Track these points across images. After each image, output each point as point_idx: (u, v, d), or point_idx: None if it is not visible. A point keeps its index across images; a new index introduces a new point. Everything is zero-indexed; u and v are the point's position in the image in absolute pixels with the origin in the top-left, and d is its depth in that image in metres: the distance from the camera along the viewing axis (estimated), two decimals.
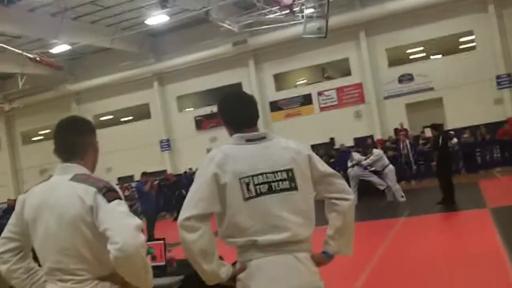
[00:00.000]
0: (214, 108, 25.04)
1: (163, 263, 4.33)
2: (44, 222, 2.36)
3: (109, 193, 2.30)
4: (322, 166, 2.60)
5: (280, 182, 2.44)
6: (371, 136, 21.91)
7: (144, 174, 13.54)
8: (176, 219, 15.76)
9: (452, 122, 20.56)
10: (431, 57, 23.03)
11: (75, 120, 2.63)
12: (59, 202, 2.34)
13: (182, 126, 26.30)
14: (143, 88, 26.65)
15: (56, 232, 2.33)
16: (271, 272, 2.37)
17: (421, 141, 19.71)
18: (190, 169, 22.29)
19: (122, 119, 28.19)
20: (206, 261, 2.37)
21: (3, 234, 2.52)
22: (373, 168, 14.16)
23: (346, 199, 2.59)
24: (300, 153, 2.53)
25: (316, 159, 2.60)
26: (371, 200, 13.99)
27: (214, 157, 2.48)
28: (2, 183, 30.20)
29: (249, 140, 2.52)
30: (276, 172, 2.45)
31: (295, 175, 2.47)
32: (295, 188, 2.46)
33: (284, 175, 2.45)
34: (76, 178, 2.37)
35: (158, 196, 21.24)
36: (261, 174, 2.43)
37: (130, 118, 28.26)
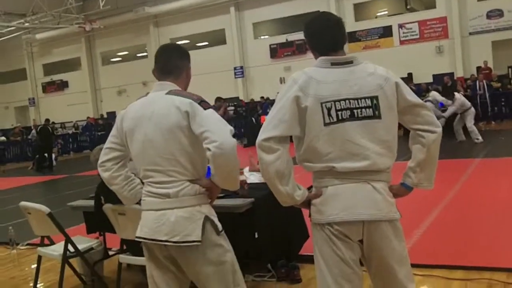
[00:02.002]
0: (290, 37, 25.22)
1: None
2: (142, 130, 2.60)
3: (203, 103, 2.53)
4: (410, 95, 2.43)
5: (363, 109, 2.33)
6: (452, 74, 20.94)
7: (218, 99, 13.57)
8: (246, 145, 16.25)
9: None
10: None
11: (176, 46, 2.89)
12: (157, 112, 2.57)
13: (257, 54, 26.14)
14: (219, 13, 26.51)
15: (154, 139, 2.56)
16: (347, 200, 2.33)
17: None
18: (263, 97, 22.29)
19: (198, 44, 28.27)
20: (282, 183, 2.36)
21: (105, 145, 2.80)
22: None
23: (433, 132, 2.43)
24: (388, 80, 2.38)
25: (404, 87, 2.43)
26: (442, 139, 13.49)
27: (297, 79, 2.38)
28: (83, 101, 31.53)
29: (334, 64, 2.40)
30: (360, 98, 2.33)
31: (379, 103, 2.34)
32: (379, 117, 2.34)
33: (368, 102, 2.34)
34: (171, 92, 2.61)
35: (230, 122, 21.50)
36: (344, 100, 2.32)
37: (206, 43, 28.30)
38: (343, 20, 2.63)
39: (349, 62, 2.41)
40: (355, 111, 2.32)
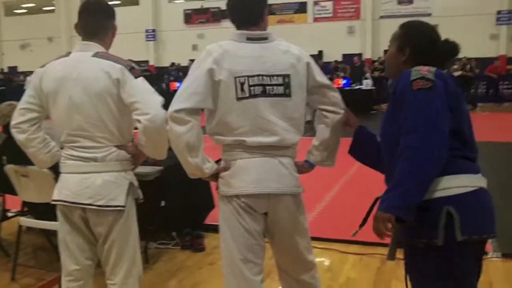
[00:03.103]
0: (206, 3, 24.88)
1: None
2: (67, 93, 2.50)
3: (134, 70, 2.50)
4: (319, 76, 2.51)
5: (274, 87, 2.38)
6: (360, 55, 21.68)
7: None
8: None
9: None
10: None
11: (102, 3, 2.71)
12: (84, 75, 2.48)
13: (171, 18, 25.56)
14: None
15: (81, 103, 2.48)
16: (255, 173, 2.39)
17: None
18: (174, 63, 21.92)
19: (110, 3, 27.12)
20: (191, 155, 2.36)
21: (20, 105, 2.65)
22: None
23: (338, 113, 2.55)
24: (300, 60, 2.44)
25: (315, 68, 2.51)
26: None
27: (212, 51, 2.38)
28: None
29: (250, 39, 2.42)
30: (273, 76, 2.37)
31: (291, 82, 2.40)
32: (289, 95, 2.40)
33: (280, 80, 2.38)
34: (99, 55, 2.52)
35: None
36: (257, 76, 2.36)
37: (118, 2, 27.27)
38: None
39: (264, 38, 2.43)
40: (267, 87, 2.36)
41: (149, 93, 2.48)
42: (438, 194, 1.97)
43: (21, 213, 4.10)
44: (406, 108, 1.98)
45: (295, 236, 2.53)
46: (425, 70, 2.02)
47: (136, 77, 2.48)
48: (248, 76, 2.35)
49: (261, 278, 2.51)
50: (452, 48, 2.23)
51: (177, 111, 2.30)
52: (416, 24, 2.31)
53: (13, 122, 2.65)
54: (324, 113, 2.55)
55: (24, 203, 4.06)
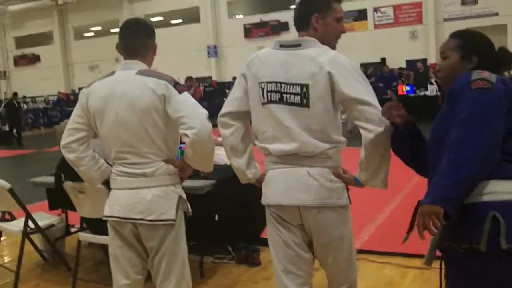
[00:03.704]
0: (264, 17, 25.10)
1: None
2: (113, 110, 2.55)
3: (178, 86, 2.54)
4: (347, 87, 2.23)
5: (292, 95, 2.31)
6: (425, 60, 21.12)
7: (189, 78, 13.55)
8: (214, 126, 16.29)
9: None
10: None
11: (143, 22, 2.80)
12: (130, 92, 2.52)
13: (231, 33, 25.95)
14: None
15: (127, 119, 2.53)
16: (281, 183, 2.38)
17: None
18: (235, 78, 22.15)
19: (172, 21, 27.93)
20: (235, 157, 2.51)
21: (68, 125, 2.72)
22: None
23: (370, 131, 2.23)
24: (322, 68, 2.25)
25: (342, 78, 2.24)
26: None
27: (249, 58, 2.48)
28: (54, 76, 31.02)
29: (282, 46, 2.41)
30: (292, 84, 2.31)
31: (309, 92, 2.27)
32: (307, 105, 2.28)
33: (298, 89, 2.29)
34: (142, 73, 2.56)
35: (201, 101, 21.43)
36: (276, 82, 2.33)
37: (180, 21, 27.99)
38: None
39: (297, 45, 2.36)
40: (284, 95, 2.32)
41: (195, 107, 2.50)
42: (485, 197, 1.87)
43: (80, 229, 4.22)
44: (460, 105, 1.90)
45: (331, 249, 2.44)
46: (486, 74, 1.96)
47: (180, 92, 2.51)
48: (268, 82, 2.35)
49: None
50: (510, 55, 2.19)
51: (222, 115, 2.51)
52: (473, 32, 2.27)
53: (62, 142, 2.72)
54: (360, 129, 2.30)
55: (83, 219, 4.18)
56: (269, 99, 2.35)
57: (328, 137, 2.33)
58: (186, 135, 2.45)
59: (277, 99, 2.33)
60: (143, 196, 2.56)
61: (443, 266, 2.11)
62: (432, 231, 1.85)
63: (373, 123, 2.23)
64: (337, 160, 2.42)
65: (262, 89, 2.36)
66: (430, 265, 2.12)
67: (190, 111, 2.47)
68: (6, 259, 5.14)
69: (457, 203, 1.82)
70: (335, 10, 2.43)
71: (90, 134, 2.73)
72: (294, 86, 2.30)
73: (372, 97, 2.27)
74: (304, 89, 2.28)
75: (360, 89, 2.26)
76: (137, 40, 2.66)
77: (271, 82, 2.34)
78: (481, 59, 2.11)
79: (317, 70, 2.26)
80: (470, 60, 2.12)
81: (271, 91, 2.34)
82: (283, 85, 2.32)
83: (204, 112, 2.51)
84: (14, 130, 18.39)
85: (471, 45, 2.15)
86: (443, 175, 1.85)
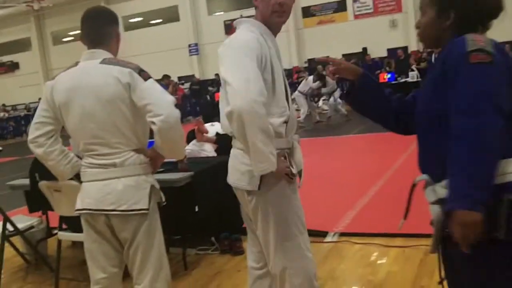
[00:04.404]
0: (244, 12, 24.93)
1: (174, 159, 4.31)
2: (79, 103, 2.51)
3: (143, 73, 2.48)
4: (220, 68, 2.37)
5: None
6: (406, 48, 21.22)
7: (165, 76, 13.53)
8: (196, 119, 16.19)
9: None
10: None
11: (104, 10, 2.77)
12: (94, 83, 2.48)
13: (211, 31, 25.84)
14: None
15: (94, 111, 2.49)
16: None
17: None
18: (218, 74, 22.12)
19: (151, 22, 27.78)
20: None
21: (35, 120, 2.68)
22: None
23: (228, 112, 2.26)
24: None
25: (220, 59, 2.38)
26: None
27: None
28: (34, 82, 30.71)
29: None
30: None
31: None
32: None
33: None
34: (106, 61, 2.51)
35: (185, 100, 21.41)
36: None
37: (159, 20, 27.85)
38: None
39: None
40: None
41: (160, 94, 2.46)
42: (497, 180, 1.66)
43: (59, 228, 4.17)
44: (459, 83, 1.69)
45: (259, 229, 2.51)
46: (481, 41, 1.73)
47: (146, 80, 2.47)
48: None
49: None
50: (496, 3, 1.89)
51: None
52: None
53: (30, 137, 2.68)
54: None
55: (62, 218, 4.14)
56: None
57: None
58: (153, 123, 2.40)
59: None
60: (114, 187, 2.53)
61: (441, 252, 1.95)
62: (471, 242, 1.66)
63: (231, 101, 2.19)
64: None
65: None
66: (436, 252, 1.92)
67: (156, 98, 2.43)
68: None
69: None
70: None
71: (57, 127, 2.68)
72: None
73: (231, 74, 2.22)
74: None
75: (224, 69, 2.28)
76: (99, 28, 2.61)
77: None
78: (460, 13, 1.87)
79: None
80: (448, 16, 1.89)
81: None
82: None
83: (170, 99, 2.47)
84: None
85: None
86: (466, 172, 1.63)
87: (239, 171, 2.42)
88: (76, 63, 2.63)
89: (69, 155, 2.74)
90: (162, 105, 2.41)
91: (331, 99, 14.59)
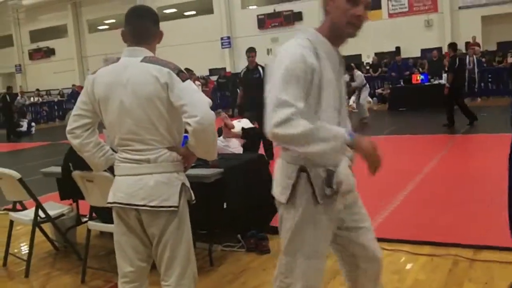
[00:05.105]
0: (278, 7, 24.96)
1: None
2: (117, 98, 2.55)
3: (181, 74, 2.51)
4: None
5: None
6: (440, 48, 20.90)
7: (187, 70, 13.57)
8: (219, 113, 16.20)
9: None
10: None
11: (149, 8, 2.78)
12: (133, 80, 2.52)
13: (244, 24, 25.90)
14: None
15: (131, 107, 2.53)
16: None
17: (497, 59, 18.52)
18: None
19: (185, 13, 27.92)
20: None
21: (73, 112, 2.73)
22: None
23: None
24: None
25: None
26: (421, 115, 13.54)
27: None
28: (69, 68, 31.23)
29: None
30: None
31: None
32: None
33: None
34: (147, 60, 2.55)
35: (214, 93, 21.48)
36: None
37: (193, 12, 27.97)
38: None
39: None
40: None
41: (197, 95, 2.49)
42: None
43: (90, 218, 4.24)
44: None
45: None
46: None
47: (183, 80, 2.49)
48: None
49: None
50: None
51: None
52: None
53: (68, 128, 2.73)
54: None
55: (93, 208, 4.20)
56: None
57: None
58: (188, 124, 2.44)
59: None
60: (146, 182, 2.56)
61: None
62: None
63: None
64: None
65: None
66: None
67: (192, 99, 2.46)
68: (18, 248, 5.18)
69: None
70: None
71: (94, 120, 2.73)
72: None
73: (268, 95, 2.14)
74: None
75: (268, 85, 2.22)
76: (144, 26, 2.65)
77: None
78: None
79: None
80: None
81: None
82: None
83: (206, 100, 2.49)
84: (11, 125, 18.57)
85: None
86: None
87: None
88: (118, 59, 2.67)
89: (104, 148, 2.79)
90: (197, 106, 2.44)
91: (362, 96, 14.08)
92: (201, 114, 2.42)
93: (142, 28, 2.65)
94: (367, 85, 14.63)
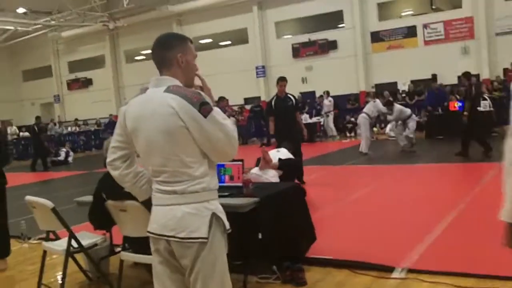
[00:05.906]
0: (312, 36, 25.02)
1: (240, 184, 4.27)
2: (145, 131, 2.56)
3: (203, 107, 2.46)
4: None
5: None
6: (477, 75, 20.52)
7: (220, 98, 13.66)
8: (262, 145, 16.26)
9: None
10: None
11: (166, 35, 2.76)
12: (156, 112, 2.51)
13: (279, 53, 25.97)
14: (242, 12, 26.37)
15: (157, 140, 2.53)
16: None
17: None
18: None
19: (220, 43, 28.25)
20: None
21: (111, 144, 2.78)
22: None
23: None
24: None
25: None
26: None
27: None
28: (106, 98, 31.82)
29: None
30: None
31: None
32: None
33: None
34: (170, 90, 2.52)
35: (249, 121, 21.52)
36: None
37: (228, 42, 28.28)
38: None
39: None
40: None
41: (221, 134, 2.49)
42: None
43: (123, 248, 4.18)
44: None
45: None
46: None
47: (205, 116, 2.46)
48: None
49: None
50: None
51: None
52: None
53: (107, 160, 2.78)
54: None
55: (125, 238, 4.14)
56: None
57: None
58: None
59: None
60: (175, 214, 2.53)
61: None
62: None
63: None
64: None
65: None
66: None
67: (218, 141, 2.50)
68: (51, 278, 5.14)
69: None
70: None
71: (131, 151, 2.75)
72: None
73: None
74: None
75: None
76: (159, 55, 2.66)
77: None
78: None
79: None
80: None
81: None
82: None
83: (232, 130, 2.53)
84: (41, 156, 18.61)
85: None
86: None
87: None
88: (146, 89, 2.67)
89: (143, 178, 2.80)
90: (226, 152, 2.56)
91: (408, 127, 13.62)
92: (231, 153, 2.58)
93: (158, 57, 2.66)
94: (413, 116, 14.29)
